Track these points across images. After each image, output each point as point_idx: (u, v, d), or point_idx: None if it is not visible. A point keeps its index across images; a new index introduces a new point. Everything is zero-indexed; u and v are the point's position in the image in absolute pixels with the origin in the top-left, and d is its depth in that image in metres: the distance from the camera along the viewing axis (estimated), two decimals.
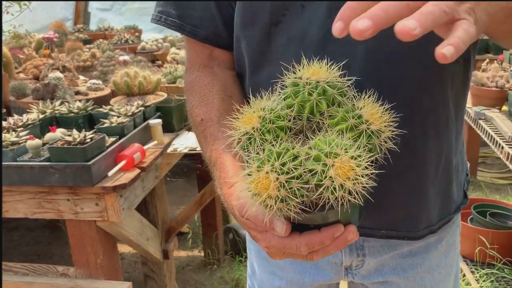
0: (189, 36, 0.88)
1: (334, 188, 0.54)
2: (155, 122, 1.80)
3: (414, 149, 0.77)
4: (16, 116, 1.73)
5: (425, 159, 0.79)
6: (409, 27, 0.42)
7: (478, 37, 0.51)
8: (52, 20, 4.15)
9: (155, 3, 0.92)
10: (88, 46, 3.78)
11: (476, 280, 2.17)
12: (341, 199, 0.55)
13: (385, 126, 0.60)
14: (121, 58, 2.32)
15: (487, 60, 2.50)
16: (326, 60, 0.64)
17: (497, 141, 1.78)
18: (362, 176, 0.54)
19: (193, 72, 0.90)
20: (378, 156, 0.60)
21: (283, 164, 0.55)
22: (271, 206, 0.56)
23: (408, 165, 0.71)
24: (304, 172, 0.56)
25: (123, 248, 2.98)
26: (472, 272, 2.24)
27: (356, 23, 0.44)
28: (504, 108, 2.04)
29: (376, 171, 0.57)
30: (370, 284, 0.95)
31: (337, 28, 0.46)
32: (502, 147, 1.70)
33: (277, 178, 0.55)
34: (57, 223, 3.32)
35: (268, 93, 0.66)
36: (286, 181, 0.55)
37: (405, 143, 0.66)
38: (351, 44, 0.61)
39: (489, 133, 1.88)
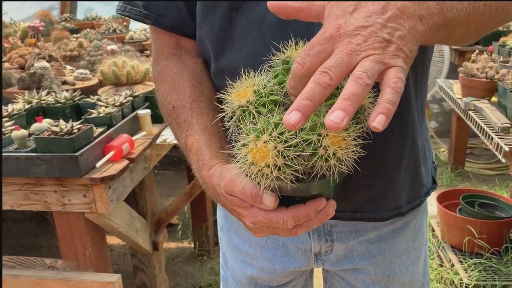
0: (154, 26, 0.88)
1: (328, 156, 0.57)
2: (144, 112, 1.77)
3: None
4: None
5: (387, 139, 0.79)
6: (336, 122, 0.47)
7: (411, 64, 0.56)
8: (38, 9, 4.07)
9: None
10: (75, 35, 3.72)
11: (465, 270, 2.20)
12: (333, 167, 0.58)
13: (370, 103, 0.63)
14: (109, 47, 2.28)
15: (477, 51, 2.51)
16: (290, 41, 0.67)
17: (486, 132, 1.78)
18: (352, 146, 0.58)
19: (161, 61, 0.90)
20: (363, 131, 0.63)
21: (281, 134, 0.57)
22: (267, 174, 0.58)
23: (370, 147, 0.71)
24: (300, 141, 0.58)
25: (112, 240, 2.96)
26: (461, 261, 2.26)
27: (287, 117, 0.50)
28: (494, 99, 2.04)
29: (365, 142, 0.61)
30: (341, 271, 0.97)
31: (295, 120, 0.51)
32: (492, 138, 1.71)
33: (275, 147, 0.57)
34: (44, 215, 3.28)
35: (257, 72, 0.68)
36: (284, 149, 0.57)
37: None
38: (308, 25, 0.65)
39: (478, 124, 1.89)
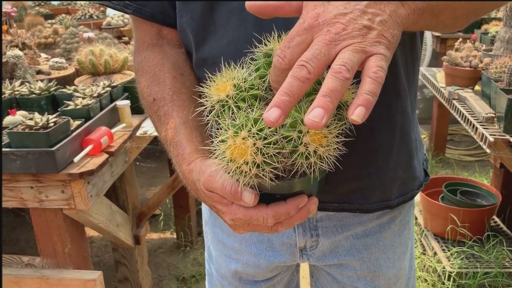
0: (134, 15, 0.86)
1: (309, 154, 0.56)
2: (123, 103, 1.71)
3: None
4: None
5: (373, 129, 0.78)
6: (316, 121, 0.46)
7: (394, 49, 0.54)
8: None
9: None
10: (49, 21, 3.60)
11: (447, 258, 2.22)
12: (314, 165, 0.57)
13: (353, 99, 0.60)
14: (85, 35, 2.19)
15: (460, 39, 2.50)
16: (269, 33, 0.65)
17: (471, 122, 1.78)
18: (333, 143, 0.57)
19: (142, 52, 0.87)
20: (345, 127, 0.61)
21: (260, 130, 0.56)
22: (246, 172, 0.56)
23: (356, 135, 0.69)
24: (280, 138, 0.56)
25: (92, 232, 2.90)
26: (444, 250, 2.28)
27: (267, 114, 0.49)
28: (477, 88, 2.04)
29: (347, 139, 0.60)
30: (327, 267, 0.96)
31: (275, 117, 0.49)
32: (476, 128, 1.71)
33: (254, 144, 0.55)
34: (19, 212, 3.20)
35: (239, 65, 0.66)
36: (264, 146, 0.55)
37: None
38: None
39: (463, 114, 1.88)
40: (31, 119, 1.38)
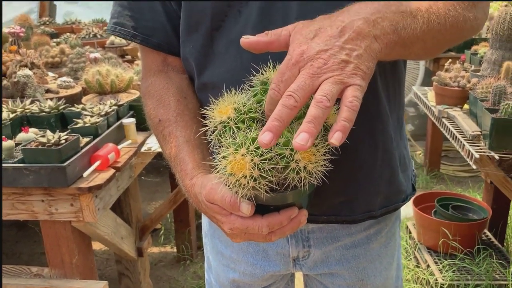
0: (142, 44, 0.94)
1: (299, 169, 0.64)
2: (129, 121, 1.81)
3: (348, 137, 0.82)
4: None
5: (357, 148, 0.85)
6: (301, 144, 0.55)
7: (369, 79, 0.63)
8: (17, 13, 4.03)
9: (110, 14, 0.97)
10: (55, 40, 3.71)
11: (440, 270, 2.29)
12: (304, 179, 0.65)
13: None
14: (92, 55, 2.30)
15: (450, 60, 2.61)
16: (263, 62, 0.74)
17: (459, 139, 1.87)
18: (321, 161, 0.65)
19: (149, 78, 0.96)
20: (331, 147, 0.69)
21: (257, 148, 0.63)
22: (244, 185, 0.64)
23: (342, 154, 0.77)
24: (274, 155, 0.64)
25: (95, 246, 2.96)
26: (436, 262, 2.35)
27: (261, 137, 0.57)
28: (466, 106, 2.14)
29: (333, 157, 0.68)
30: (318, 276, 1.03)
31: (265, 138, 0.58)
32: (464, 145, 1.80)
33: (252, 160, 0.63)
34: (26, 223, 3.26)
35: (239, 91, 0.74)
36: (260, 162, 0.63)
37: None
38: None
39: (451, 131, 1.98)
40: (43, 136, 1.47)
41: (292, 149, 0.64)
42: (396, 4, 0.68)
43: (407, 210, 2.94)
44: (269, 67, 0.73)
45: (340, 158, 0.75)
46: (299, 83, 0.59)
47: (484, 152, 1.72)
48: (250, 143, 0.64)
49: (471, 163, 1.72)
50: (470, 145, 1.78)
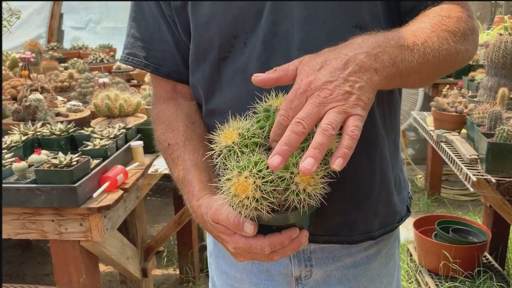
0: (153, 73, 1.01)
1: (299, 191, 0.67)
2: (137, 143, 1.87)
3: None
4: None
5: (356, 170, 0.90)
6: (308, 168, 0.61)
7: (369, 108, 0.69)
8: (26, 38, 4.15)
9: (123, 45, 1.04)
10: (63, 65, 3.80)
11: None
12: (303, 201, 0.68)
13: (336, 147, 0.74)
14: (101, 80, 2.38)
15: (448, 86, 2.69)
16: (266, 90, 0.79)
17: (457, 163, 1.92)
18: (320, 184, 0.69)
19: (159, 104, 1.02)
20: (329, 170, 0.73)
21: (260, 171, 0.68)
22: (247, 205, 0.67)
23: (342, 176, 0.81)
24: (275, 178, 0.68)
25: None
26: (437, 285, 2.37)
27: (271, 160, 0.62)
28: (463, 131, 2.20)
29: (331, 180, 0.72)
30: None
31: (275, 162, 0.63)
32: (461, 169, 1.85)
33: (255, 182, 0.67)
34: (30, 241, 3.29)
35: (243, 117, 0.79)
36: (262, 184, 0.67)
37: None
38: None
39: (449, 155, 2.03)
40: (55, 158, 1.53)
41: (292, 172, 0.68)
42: (395, 38, 0.75)
43: (408, 233, 2.96)
44: (272, 95, 0.79)
45: (340, 180, 0.80)
46: (307, 111, 0.65)
47: (482, 176, 1.77)
48: (253, 166, 0.68)
49: (469, 186, 1.77)
50: (468, 169, 1.83)
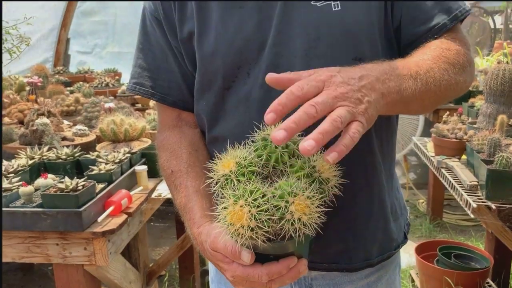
0: (159, 102, 1.05)
1: (294, 220, 0.68)
2: (141, 168, 1.89)
3: (345, 190, 0.88)
4: (6, 162, 1.79)
5: (355, 197, 0.93)
6: (308, 148, 0.61)
7: (370, 125, 0.71)
8: (33, 62, 4.23)
9: (130, 74, 1.08)
10: (68, 88, 3.87)
11: None
12: (298, 230, 0.68)
13: (333, 176, 0.77)
14: (107, 105, 2.42)
15: (448, 112, 2.72)
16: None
17: (457, 189, 1.94)
18: (315, 213, 0.69)
19: (164, 132, 1.06)
20: (327, 199, 0.75)
21: (255, 200, 0.69)
22: (242, 234, 0.68)
23: (341, 204, 0.83)
24: (271, 207, 0.69)
25: None
26: None
27: (275, 133, 0.63)
28: (464, 157, 2.22)
29: (327, 209, 0.73)
30: None
31: (269, 118, 0.66)
32: (462, 195, 1.87)
33: (250, 211, 0.68)
34: (31, 264, 3.28)
35: (238, 145, 0.81)
36: (257, 213, 0.68)
37: (341, 187, 0.80)
38: None
39: (450, 181, 2.05)
40: (62, 182, 1.56)
41: (287, 201, 0.69)
42: (399, 68, 0.79)
43: (410, 258, 2.95)
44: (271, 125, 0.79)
45: (339, 208, 0.82)
46: (323, 99, 0.66)
47: (482, 202, 1.79)
48: (248, 195, 0.69)
49: (469, 212, 1.79)
50: (468, 195, 1.85)
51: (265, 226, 0.68)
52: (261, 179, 0.76)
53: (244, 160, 0.77)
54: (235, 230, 0.69)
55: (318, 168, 0.76)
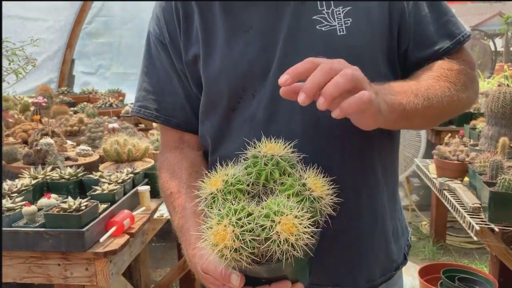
0: (163, 124, 1.06)
1: (280, 242, 0.64)
2: (144, 188, 1.90)
3: (349, 210, 0.89)
4: (9, 182, 1.80)
5: (359, 220, 0.93)
6: (320, 103, 0.67)
7: (376, 120, 0.75)
8: (38, 82, 4.28)
9: (135, 98, 1.10)
10: (72, 109, 3.90)
11: None
12: (286, 252, 0.65)
13: (326, 195, 0.75)
14: (111, 125, 2.44)
15: (450, 134, 2.74)
16: (273, 138, 0.82)
17: (460, 211, 1.94)
18: (304, 233, 0.65)
19: (165, 153, 1.07)
20: (319, 219, 0.72)
21: (239, 219, 0.66)
22: (226, 255, 0.65)
23: (344, 226, 0.83)
24: (256, 226, 0.66)
25: None
26: None
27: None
28: (466, 179, 2.22)
29: (317, 230, 0.70)
30: None
31: (283, 80, 0.71)
32: (464, 217, 1.86)
33: (233, 231, 0.65)
34: (31, 284, 3.25)
35: (232, 163, 0.81)
36: (240, 233, 0.65)
37: (340, 206, 0.80)
38: (288, 121, 0.86)
39: (453, 203, 2.05)
40: (65, 202, 1.56)
41: (273, 221, 0.65)
42: (399, 86, 0.83)
43: (414, 281, 2.92)
44: (263, 142, 0.80)
45: (343, 229, 0.82)
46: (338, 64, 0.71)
47: (485, 224, 1.78)
48: (233, 214, 0.66)
49: (472, 234, 1.78)
50: (471, 217, 1.84)
51: (248, 247, 0.65)
52: (250, 198, 0.74)
53: (233, 177, 0.75)
54: (219, 250, 0.66)
55: (309, 186, 0.74)
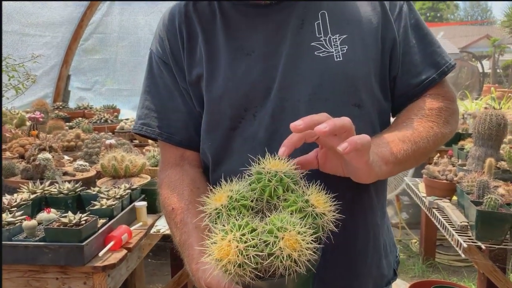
0: (166, 142, 1.08)
1: (283, 257, 0.65)
2: (141, 204, 1.94)
3: (345, 227, 0.91)
4: (9, 196, 1.83)
5: (357, 235, 0.98)
6: (320, 128, 0.75)
7: (373, 175, 0.83)
8: (34, 97, 4.31)
9: (136, 115, 1.12)
10: (67, 124, 3.94)
11: None
12: (289, 268, 0.66)
13: (329, 211, 0.77)
14: (108, 141, 2.48)
15: (438, 154, 2.81)
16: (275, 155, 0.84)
17: (448, 229, 2.00)
18: (306, 249, 0.66)
19: (166, 170, 1.09)
20: (322, 235, 0.75)
21: (243, 235, 0.67)
22: (230, 270, 0.66)
23: (344, 241, 0.87)
24: (260, 242, 0.67)
25: None
26: None
27: (319, 127, 0.75)
28: (454, 198, 2.29)
29: (320, 246, 0.71)
30: None
31: (282, 152, 0.78)
32: (453, 235, 1.92)
33: (237, 246, 0.66)
34: None
35: (237, 178, 0.83)
36: (244, 249, 0.66)
37: (338, 223, 0.85)
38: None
39: (441, 221, 2.11)
40: (65, 216, 1.60)
41: (276, 237, 0.66)
42: (386, 137, 0.91)
43: None
44: (267, 158, 0.82)
45: (342, 245, 0.87)
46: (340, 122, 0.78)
47: (473, 242, 1.84)
48: (237, 230, 0.67)
49: (460, 252, 1.83)
50: (459, 235, 1.90)
51: (252, 263, 0.65)
52: (254, 213, 0.76)
53: (237, 193, 0.76)
54: (223, 265, 0.67)
55: (312, 203, 0.75)
